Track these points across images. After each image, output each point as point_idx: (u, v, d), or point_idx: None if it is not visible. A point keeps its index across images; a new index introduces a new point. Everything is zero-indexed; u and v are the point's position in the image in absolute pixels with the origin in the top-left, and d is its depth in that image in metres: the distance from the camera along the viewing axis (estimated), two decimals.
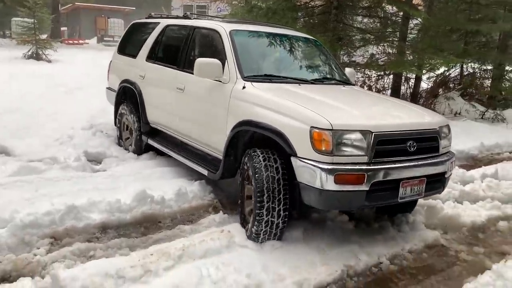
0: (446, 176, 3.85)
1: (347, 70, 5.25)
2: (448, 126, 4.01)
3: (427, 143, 3.67)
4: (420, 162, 3.57)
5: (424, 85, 11.67)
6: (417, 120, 3.86)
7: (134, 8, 39.25)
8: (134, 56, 5.90)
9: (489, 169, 6.17)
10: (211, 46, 4.70)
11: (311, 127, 3.29)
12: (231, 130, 3.97)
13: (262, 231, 3.54)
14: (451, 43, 10.38)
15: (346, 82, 4.88)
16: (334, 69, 5.09)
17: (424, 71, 10.28)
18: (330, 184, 3.20)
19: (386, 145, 3.40)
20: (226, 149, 4.05)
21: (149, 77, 5.48)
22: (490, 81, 11.86)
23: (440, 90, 11.79)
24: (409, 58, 9.69)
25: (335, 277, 3.36)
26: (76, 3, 30.33)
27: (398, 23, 9.96)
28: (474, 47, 11.09)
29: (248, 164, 3.69)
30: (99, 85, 10.24)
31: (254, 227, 3.55)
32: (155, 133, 5.57)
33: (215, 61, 4.17)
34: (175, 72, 4.98)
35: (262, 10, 7.80)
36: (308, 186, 3.31)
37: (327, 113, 3.38)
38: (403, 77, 10.61)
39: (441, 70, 11.44)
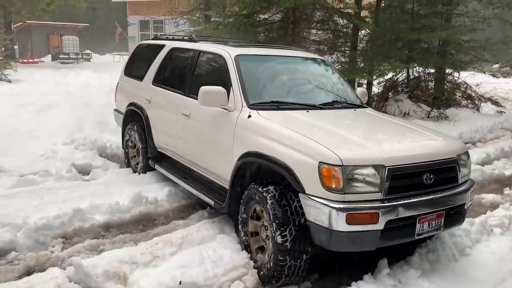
0: (466, 207, 3.63)
1: (359, 90, 5.11)
2: (467, 152, 3.80)
3: (445, 174, 3.48)
4: (437, 196, 3.36)
5: (375, 89, 12.71)
6: (433, 150, 3.57)
7: (88, 24, 38.98)
8: (140, 78, 5.81)
9: None
10: (216, 71, 4.59)
11: (320, 162, 3.10)
12: (237, 160, 3.83)
13: (284, 275, 3.38)
14: (396, 51, 11.44)
15: (357, 105, 4.70)
16: (345, 90, 4.88)
17: (374, 77, 11.27)
18: (341, 225, 3.01)
19: (401, 179, 3.21)
20: (233, 179, 3.92)
21: (155, 101, 5.39)
22: (433, 84, 13.06)
23: (390, 93, 12.84)
24: (360, 66, 10.67)
25: None
26: (27, 21, 29.92)
27: (349, 34, 10.91)
28: (417, 53, 12.20)
29: (258, 200, 3.52)
30: (67, 103, 10.61)
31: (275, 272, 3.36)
32: (162, 158, 5.45)
33: (220, 89, 4.04)
34: (180, 97, 4.88)
35: (226, 27, 8.45)
36: (318, 225, 3.12)
37: (336, 146, 3.21)
38: (356, 83, 11.55)
39: (390, 75, 12.52)
